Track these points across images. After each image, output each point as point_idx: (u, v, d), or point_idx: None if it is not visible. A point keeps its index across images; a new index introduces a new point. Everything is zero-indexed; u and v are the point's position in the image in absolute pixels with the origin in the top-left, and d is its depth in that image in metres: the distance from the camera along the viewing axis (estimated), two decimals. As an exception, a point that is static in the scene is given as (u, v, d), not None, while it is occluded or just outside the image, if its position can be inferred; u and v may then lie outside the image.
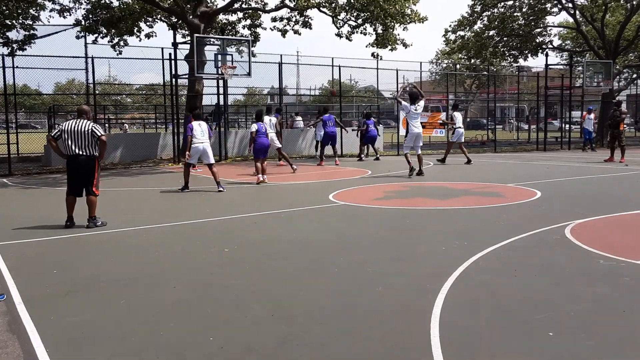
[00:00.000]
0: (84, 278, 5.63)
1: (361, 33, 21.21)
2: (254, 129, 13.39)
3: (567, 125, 29.06)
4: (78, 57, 18.48)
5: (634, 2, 27.96)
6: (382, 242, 7.04)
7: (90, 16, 19.96)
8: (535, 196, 10.53)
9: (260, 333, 4.14)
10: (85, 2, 19.90)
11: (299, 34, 22.70)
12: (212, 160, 12.37)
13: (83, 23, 19.86)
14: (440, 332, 4.04)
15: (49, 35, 19.88)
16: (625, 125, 20.37)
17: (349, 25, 21.32)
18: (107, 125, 31.38)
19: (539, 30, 32.23)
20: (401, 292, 5.04)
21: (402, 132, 22.52)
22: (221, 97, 20.70)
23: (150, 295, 5.05)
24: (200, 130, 12.18)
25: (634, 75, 36.45)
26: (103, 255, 6.71)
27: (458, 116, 18.92)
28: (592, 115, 25.06)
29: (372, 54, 21.78)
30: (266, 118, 15.48)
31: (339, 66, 23.80)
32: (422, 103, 14.77)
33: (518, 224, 7.86)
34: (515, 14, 30.63)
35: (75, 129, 8.06)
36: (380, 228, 8.01)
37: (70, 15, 20.19)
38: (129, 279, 5.60)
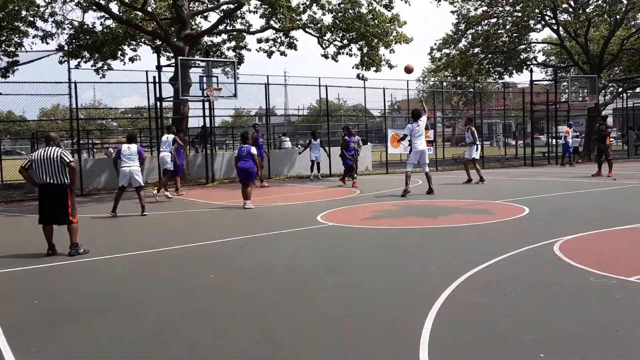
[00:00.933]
0: (66, 307, 5.49)
1: (347, 54, 21.28)
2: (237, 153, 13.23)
3: (554, 140, 29.21)
4: (61, 82, 18.35)
5: (618, 17, 28.29)
6: (371, 263, 6.93)
7: (74, 41, 19.90)
8: (524, 212, 10.48)
9: (244, 362, 4.01)
10: (68, 27, 19.84)
11: (285, 55, 22.75)
12: (141, 184, 12.38)
13: (66, 48, 19.77)
14: (430, 356, 3.93)
15: (32, 61, 19.77)
16: (611, 139, 20.47)
17: (335, 45, 21.39)
18: (91, 150, 31.17)
19: (523, 46, 32.52)
20: (390, 314, 4.93)
21: (391, 150, 22.55)
22: (207, 119, 20.61)
23: (133, 325, 4.91)
24: (129, 153, 12.12)
25: (619, 89, 36.78)
26: (85, 283, 6.56)
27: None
28: (567, 130, 25.39)
29: (358, 76, 21.85)
30: (163, 137, 15.96)
31: (326, 86, 23.85)
32: (424, 119, 14.21)
33: (507, 242, 7.78)
34: (499, 31, 30.91)
35: (44, 157, 7.95)
36: (368, 249, 7.90)
37: (53, 40, 20.13)
38: (111, 307, 5.46)
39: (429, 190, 13.98)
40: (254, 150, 13.03)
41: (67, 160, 8.02)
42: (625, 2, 27.39)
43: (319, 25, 20.70)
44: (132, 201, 15.22)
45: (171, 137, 15.91)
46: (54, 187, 7.94)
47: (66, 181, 8.02)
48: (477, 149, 17.65)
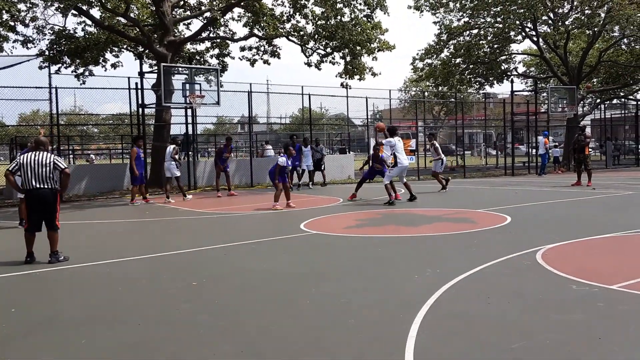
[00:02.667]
0: (44, 317, 5.38)
1: (330, 62, 21.35)
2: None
3: (534, 150, 29.54)
4: (42, 87, 18.16)
5: (596, 30, 28.75)
6: (354, 272, 6.92)
7: (55, 46, 19.70)
8: (506, 221, 10.55)
9: (228, 372, 3.96)
10: (49, 32, 19.65)
11: (269, 64, 22.78)
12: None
13: (47, 53, 19.57)
14: (415, 366, 3.91)
15: (11, 65, 19.51)
16: (590, 150, 20.73)
17: (318, 54, 21.45)
18: (71, 156, 30.82)
19: (503, 57, 32.91)
20: (374, 323, 4.91)
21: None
22: (190, 126, 20.51)
23: (114, 334, 4.83)
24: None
25: (598, 100, 37.34)
26: (65, 292, 6.45)
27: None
28: (545, 140, 25.96)
29: (342, 84, 21.91)
30: (169, 147, 16.49)
31: (309, 94, 23.89)
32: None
33: (489, 250, 7.82)
34: (480, 42, 31.24)
35: (34, 161, 7.79)
36: (352, 257, 7.89)
37: (34, 46, 19.91)
38: (92, 317, 5.36)
39: (411, 197, 14.27)
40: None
41: (62, 167, 7.90)
42: (603, 15, 27.85)
43: (302, 33, 20.75)
44: (114, 207, 15.07)
45: (170, 148, 16.49)
46: (43, 192, 7.79)
47: (56, 186, 7.90)
48: (442, 163, 18.13)
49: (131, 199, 15.94)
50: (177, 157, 16.41)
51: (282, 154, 14.56)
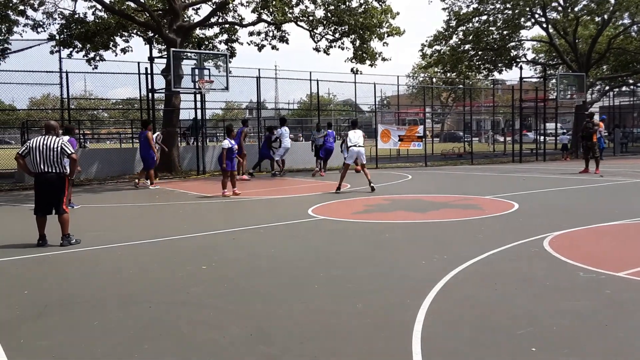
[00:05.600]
0: (57, 299, 5.47)
1: (339, 47, 21.30)
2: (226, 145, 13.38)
3: (542, 137, 29.42)
4: (52, 71, 18.23)
5: (605, 17, 28.49)
6: (362, 257, 6.97)
7: (65, 31, 19.74)
8: (513, 208, 10.57)
9: (238, 354, 4.03)
10: (59, 17, 19.68)
11: (277, 49, 22.73)
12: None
13: (57, 38, 19.62)
14: (422, 350, 3.97)
15: (23, 50, 19.61)
16: (598, 137, 20.61)
17: (327, 39, 21.39)
18: (82, 140, 30.95)
19: (513, 44, 32.65)
20: (382, 308, 4.96)
21: (380, 145, 22.62)
22: (199, 111, 20.56)
23: (125, 316, 4.91)
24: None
25: (607, 88, 37.10)
26: (76, 274, 6.54)
27: (351, 134, 14.89)
28: (600, 124, 25.70)
29: (352, 70, 21.84)
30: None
31: (317, 80, 23.86)
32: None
33: (497, 237, 7.85)
34: (490, 28, 31.02)
35: (43, 145, 7.86)
36: (360, 242, 7.94)
37: (44, 30, 19.97)
38: (103, 298, 5.44)
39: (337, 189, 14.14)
40: None
41: (69, 152, 7.96)
42: (612, 2, 27.59)
43: (311, 18, 20.68)
44: (124, 192, 15.18)
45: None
46: (50, 176, 7.88)
47: (64, 171, 7.98)
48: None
49: (150, 182, 16.21)
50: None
51: (225, 137, 14.21)
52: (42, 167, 7.86)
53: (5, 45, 18.84)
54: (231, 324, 4.65)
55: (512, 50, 32.92)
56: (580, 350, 3.98)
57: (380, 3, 20.50)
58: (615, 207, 10.61)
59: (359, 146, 14.33)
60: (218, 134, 38.05)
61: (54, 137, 8.03)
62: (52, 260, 7.25)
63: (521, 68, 29.15)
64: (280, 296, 5.42)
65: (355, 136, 14.45)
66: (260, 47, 22.20)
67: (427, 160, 24.64)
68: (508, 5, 28.94)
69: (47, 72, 18.23)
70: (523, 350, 3.94)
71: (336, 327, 4.52)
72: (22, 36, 18.74)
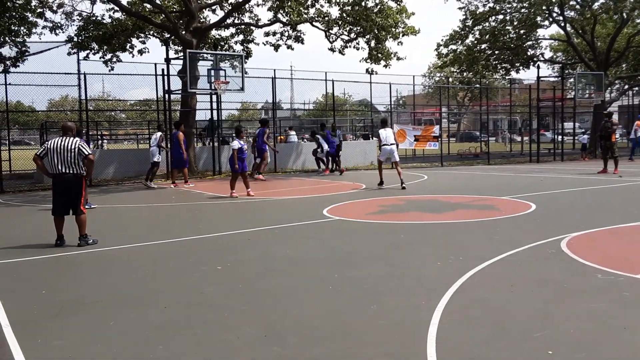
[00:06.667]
0: (73, 299, 5.51)
1: (354, 48, 21.28)
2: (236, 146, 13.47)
3: (560, 137, 29.13)
4: (70, 73, 18.40)
5: (624, 15, 28.15)
6: (377, 258, 6.95)
7: (83, 32, 19.93)
8: (530, 209, 10.48)
9: (252, 355, 4.03)
10: (77, 19, 19.87)
11: (292, 49, 22.78)
12: None
13: (75, 40, 19.81)
14: (437, 352, 3.94)
15: (41, 52, 19.82)
16: (617, 137, 20.37)
17: (342, 39, 21.38)
18: (99, 141, 31.24)
19: (530, 43, 32.37)
20: (396, 310, 4.94)
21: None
22: (215, 112, 20.65)
23: (140, 316, 4.94)
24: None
25: (626, 87, 36.65)
26: (93, 274, 6.59)
27: (382, 133, 15.08)
28: (637, 123, 25.46)
29: (367, 70, 21.82)
30: (156, 134, 16.98)
31: (332, 80, 23.85)
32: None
33: (513, 238, 7.79)
34: (506, 27, 30.78)
35: (61, 146, 7.93)
36: (375, 243, 7.91)
37: (62, 32, 20.17)
38: (119, 299, 5.48)
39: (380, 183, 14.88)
40: None
41: (86, 153, 8.03)
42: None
43: (326, 18, 20.69)
44: (140, 192, 15.30)
45: (159, 133, 17.19)
46: (68, 177, 7.95)
47: (81, 172, 8.05)
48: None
49: (185, 181, 16.63)
50: (163, 144, 16.98)
51: (234, 138, 14.33)
52: (59, 168, 7.93)
53: (24, 48, 19.04)
54: (245, 324, 4.66)
55: (529, 50, 32.65)
56: (597, 354, 3.93)
57: (397, 3, 20.45)
58: (634, 208, 10.47)
59: (391, 144, 14.58)
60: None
61: (72, 138, 8.09)
62: (70, 260, 7.31)
63: (538, 67, 28.86)
64: (295, 297, 5.42)
65: (387, 134, 14.66)
66: (276, 47, 22.24)
67: (443, 161, 24.53)
68: (525, 4, 28.69)
69: (65, 73, 18.42)
70: (539, 353, 3.90)
71: (350, 328, 4.50)
72: (40, 38, 18.94)
